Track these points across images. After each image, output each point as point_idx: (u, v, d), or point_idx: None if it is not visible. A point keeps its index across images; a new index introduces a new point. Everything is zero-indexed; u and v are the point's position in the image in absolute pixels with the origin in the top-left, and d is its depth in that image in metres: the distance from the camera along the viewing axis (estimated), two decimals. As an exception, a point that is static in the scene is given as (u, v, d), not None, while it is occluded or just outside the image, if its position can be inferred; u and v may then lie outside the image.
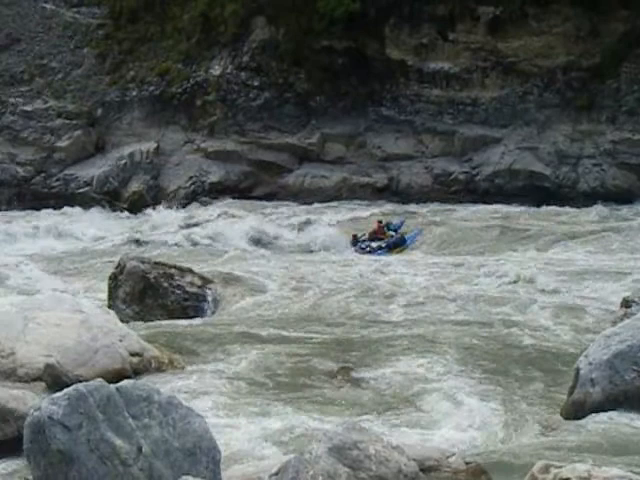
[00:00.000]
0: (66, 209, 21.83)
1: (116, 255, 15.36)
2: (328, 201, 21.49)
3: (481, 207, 20.53)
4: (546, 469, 5.46)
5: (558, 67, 21.16)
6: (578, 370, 8.03)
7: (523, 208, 20.18)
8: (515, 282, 13.99)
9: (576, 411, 8.01)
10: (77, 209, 21.78)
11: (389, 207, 20.79)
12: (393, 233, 18.03)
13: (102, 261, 16.88)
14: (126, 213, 21.38)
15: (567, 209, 19.89)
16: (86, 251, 18.72)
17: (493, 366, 9.66)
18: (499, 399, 8.66)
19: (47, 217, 21.22)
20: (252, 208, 20.69)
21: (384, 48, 22.01)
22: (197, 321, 12.12)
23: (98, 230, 20.16)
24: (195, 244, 18.65)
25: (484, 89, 21.76)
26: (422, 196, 21.47)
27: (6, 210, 22.29)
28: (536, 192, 20.79)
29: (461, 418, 8.21)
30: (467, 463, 6.30)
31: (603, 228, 18.11)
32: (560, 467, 5.45)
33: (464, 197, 21.30)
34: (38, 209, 21.99)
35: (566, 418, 8.07)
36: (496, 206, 20.44)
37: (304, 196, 21.81)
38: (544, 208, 20.10)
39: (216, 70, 22.69)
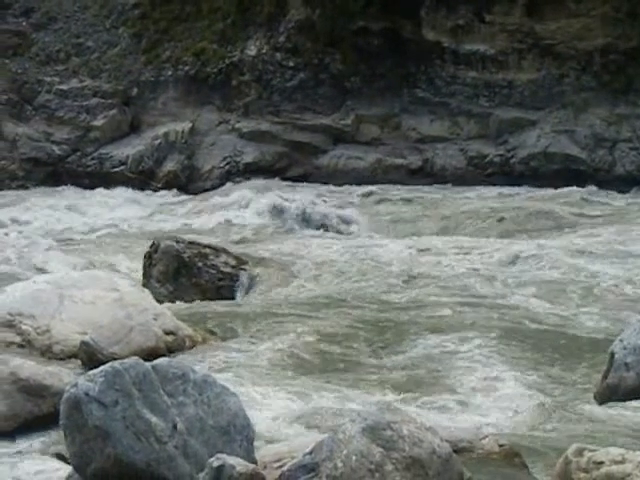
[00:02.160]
0: (108, 189, 21.87)
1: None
2: (362, 183, 21.44)
3: (515, 189, 20.44)
4: (580, 452, 5.46)
5: (596, 49, 20.96)
6: (612, 354, 7.99)
7: (557, 191, 20.06)
8: (541, 264, 13.90)
9: (610, 395, 7.98)
10: (120, 189, 21.85)
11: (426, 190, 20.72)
12: None
13: (140, 240, 16.96)
14: (184, 196, 21.20)
15: (601, 192, 19.75)
16: (125, 230, 18.78)
17: (524, 349, 9.63)
18: (531, 382, 8.64)
19: (90, 196, 21.29)
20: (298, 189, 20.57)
21: (420, 29, 21.89)
22: (231, 301, 12.17)
23: (141, 209, 20.24)
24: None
25: (520, 71, 21.60)
26: (456, 178, 21.37)
27: (43, 186, 22.41)
28: (572, 175, 20.64)
29: (494, 400, 8.21)
30: (500, 445, 6.31)
31: (640, 212, 17.98)
32: (594, 451, 5.45)
33: (499, 180, 21.19)
34: (73, 187, 22.11)
35: (600, 402, 8.04)
36: (529, 189, 20.33)
37: (338, 177, 21.78)
38: (577, 190, 19.95)
39: (252, 50, 22.67)
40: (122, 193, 21.62)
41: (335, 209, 19.15)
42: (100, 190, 21.83)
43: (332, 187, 21.24)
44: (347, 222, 18.44)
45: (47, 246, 16.49)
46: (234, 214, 19.18)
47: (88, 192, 21.66)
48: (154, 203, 20.93)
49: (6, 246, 16.45)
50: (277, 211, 18.97)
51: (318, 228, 18.31)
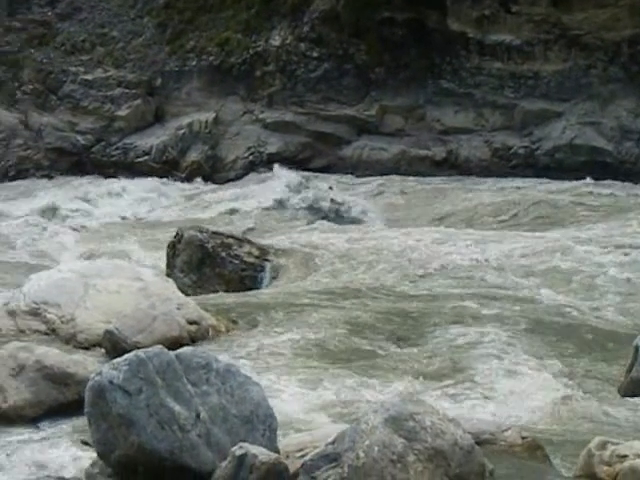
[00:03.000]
0: (132, 179, 21.92)
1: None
2: (386, 174, 21.41)
3: (539, 181, 20.34)
4: (603, 446, 5.44)
5: (623, 40, 20.81)
6: (637, 348, 7.95)
7: (583, 182, 19.95)
8: (563, 256, 13.83)
9: (634, 389, 7.94)
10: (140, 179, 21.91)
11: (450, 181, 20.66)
12: None
13: (165, 230, 17.02)
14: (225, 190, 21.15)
15: (627, 184, 19.63)
16: (151, 221, 18.85)
17: (546, 341, 9.60)
18: (555, 374, 8.61)
19: (108, 184, 21.37)
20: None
21: (445, 20, 21.81)
22: (254, 291, 12.19)
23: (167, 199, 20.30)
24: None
25: (546, 62, 21.49)
26: (481, 170, 21.30)
27: (67, 175, 22.51)
28: (597, 167, 20.53)
29: (516, 392, 8.19)
30: (523, 438, 6.29)
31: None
32: (618, 444, 5.43)
33: (523, 171, 21.11)
34: (97, 177, 22.18)
35: (624, 396, 8.01)
36: (553, 181, 20.23)
37: (362, 168, 21.76)
38: (604, 183, 19.84)
39: (276, 40, 22.66)
40: (144, 183, 21.64)
41: (355, 199, 19.15)
42: (121, 180, 21.87)
43: (354, 178, 21.23)
44: (366, 213, 18.44)
45: (65, 234, 16.59)
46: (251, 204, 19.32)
47: (109, 181, 21.72)
48: (180, 192, 21.00)
49: (23, 235, 16.57)
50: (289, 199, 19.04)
51: (332, 217, 18.33)
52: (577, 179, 20.14)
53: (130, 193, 20.72)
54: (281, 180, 20.43)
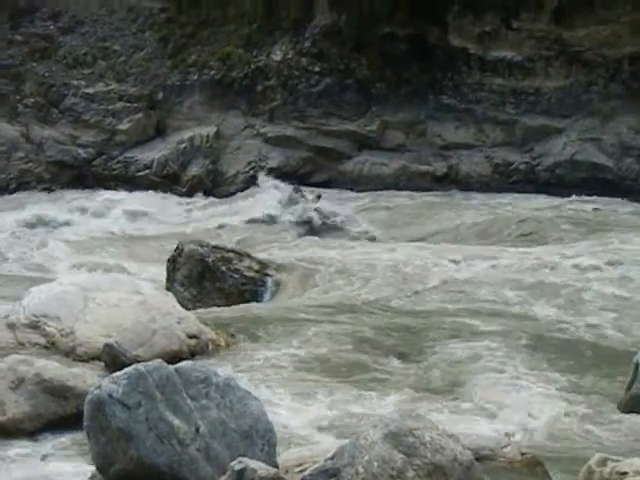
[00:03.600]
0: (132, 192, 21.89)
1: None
2: (386, 189, 21.43)
3: (539, 197, 20.36)
4: (603, 462, 5.43)
5: (624, 57, 20.85)
6: (638, 365, 7.94)
7: (580, 198, 19.97)
8: (562, 273, 13.83)
9: (634, 405, 7.93)
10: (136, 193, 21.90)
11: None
12: None
13: (161, 244, 17.03)
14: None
15: (626, 201, 19.65)
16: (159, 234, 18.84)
17: (547, 357, 9.59)
18: (555, 391, 8.61)
19: (130, 199, 21.31)
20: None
21: (446, 35, 21.87)
22: (254, 305, 12.19)
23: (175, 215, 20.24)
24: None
25: (547, 78, 21.53)
26: (482, 185, 21.32)
27: (68, 189, 22.50)
28: (598, 184, 20.55)
29: (516, 408, 8.17)
30: (522, 454, 6.28)
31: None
32: (618, 461, 5.41)
33: (524, 187, 21.12)
34: (97, 190, 22.17)
35: (623, 412, 8.00)
36: (553, 197, 20.25)
37: (362, 183, 21.77)
38: (603, 199, 19.86)
39: (277, 55, 22.71)
40: (140, 196, 21.56)
41: (353, 214, 19.15)
42: (118, 193, 21.82)
43: (355, 193, 21.24)
44: (365, 227, 18.43)
45: (56, 247, 16.60)
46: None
47: (104, 194, 21.69)
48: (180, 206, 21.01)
49: (14, 247, 16.58)
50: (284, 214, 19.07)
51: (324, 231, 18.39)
52: (578, 195, 20.16)
53: (124, 206, 20.65)
54: (269, 193, 20.44)
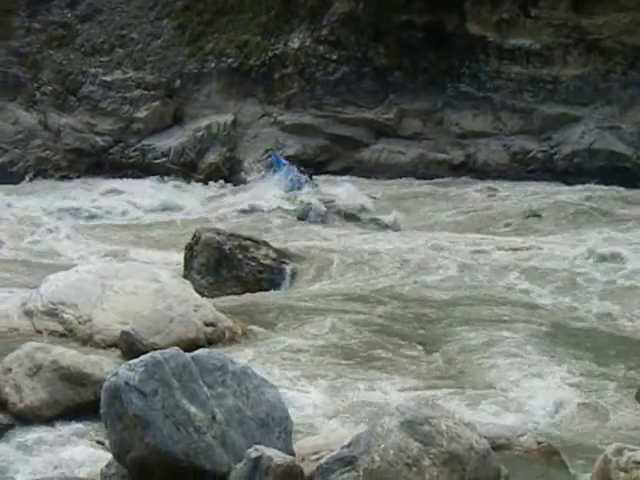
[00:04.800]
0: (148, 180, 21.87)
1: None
2: (403, 177, 21.39)
3: (557, 186, 20.28)
4: (619, 452, 5.41)
5: (643, 45, 20.74)
6: (655, 354, 7.92)
7: (598, 187, 19.87)
8: (587, 259, 13.77)
9: (651, 395, 7.90)
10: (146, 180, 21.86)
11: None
12: None
13: (179, 232, 17.05)
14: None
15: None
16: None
17: (564, 347, 9.57)
18: (572, 380, 8.59)
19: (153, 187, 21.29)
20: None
21: (464, 23, 21.78)
22: (271, 293, 12.20)
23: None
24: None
25: (566, 66, 21.43)
26: (499, 174, 21.25)
27: (85, 177, 22.55)
28: (616, 173, 20.45)
29: (533, 397, 8.16)
30: (539, 443, 6.27)
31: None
32: (634, 450, 5.40)
33: (541, 176, 21.04)
34: (115, 178, 22.21)
35: (640, 401, 7.98)
36: (571, 185, 20.16)
37: (379, 171, 21.74)
38: (617, 188, 19.75)
39: (295, 43, 22.67)
40: (153, 185, 21.52)
41: (369, 204, 19.09)
42: (131, 181, 21.82)
43: (372, 181, 21.21)
44: (382, 216, 18.38)
45: (77, 235, 16.65)
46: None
47: (114, 182, 21.70)
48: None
49: (29, 235, 16.64)
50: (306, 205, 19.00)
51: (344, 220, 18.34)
52: (596, 184, 20.06)
53: (141, 194, 20.61)
54: (282, 180, 20.41)
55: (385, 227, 17.84)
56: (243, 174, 21.92)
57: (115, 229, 18.03)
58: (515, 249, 14.74)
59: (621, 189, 19.62)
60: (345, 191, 19.59)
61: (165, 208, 19.79)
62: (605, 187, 19.80)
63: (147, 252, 15.07)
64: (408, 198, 19.81)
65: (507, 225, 17.46)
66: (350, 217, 18.49)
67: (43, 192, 20.53)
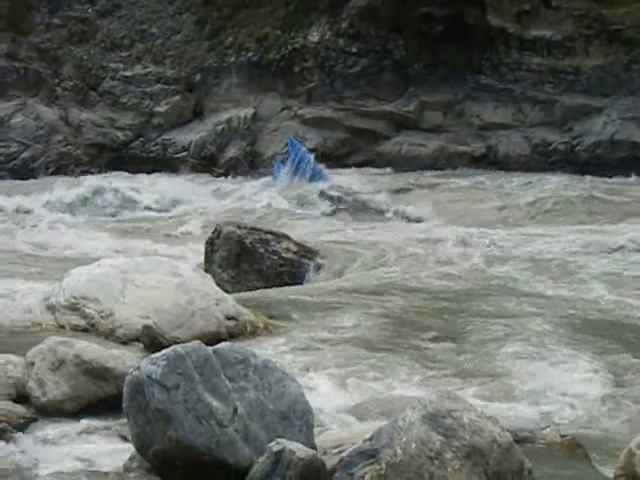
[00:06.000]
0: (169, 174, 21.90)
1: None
2: (424, 170, 21.36)
3: (579, 178, 20.19)
4: (644, 444, 5.37)
5: (666, 35, 20.62)
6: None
7: (622, 179, 19.78)
8: (606, 254, 13.70)
9: (676, 387, 7.85)
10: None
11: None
12: None
13: (199, 226, 17.09)
14: None
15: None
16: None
17: (588, 339, 9.52)
18: (596, 372, 8.54)
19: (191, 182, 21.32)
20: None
21: (485, 15, 21.72)
22: (292, 287, 12.20)
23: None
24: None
25: (587, 57, 21.33)
26: (520, 166, 21.19)
27: (105, 172, 22.63)
28: (639, 163, 20.35)
29: (556, 390, 8.12)
30: (562, 436, 6.24)
31: None
32: (659, 443, 5.36)
33: (563, 167, 20.97)
34: (135, 173, 22.29)
35: (665, 394, 7.93)
36: (593, 177, 20.07)
37: (400, 164, 21.71)
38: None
39: (314, 36, 22.66)
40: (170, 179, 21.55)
41: (390, 195, 19.08)
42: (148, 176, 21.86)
43: (393, 174, 21.18)
44: (403, 209, 18.38)
45: (97, 230, 16.71)
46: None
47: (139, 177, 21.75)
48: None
49: (48, 230, 16.71)
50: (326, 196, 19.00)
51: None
52: (617, 175, 19.98)
53: (161, 188, 20.65)
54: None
55: (408, 219, 17.83)
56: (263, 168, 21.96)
57: (135, 223, 18.09)
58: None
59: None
60: (365, 183, 19.59)
61: (183, 202, 19.84)
62: (628, 179, 19.72)
63: (167, 246, 15.12)
64: (430, 190, 19.77)
65: (532, 217, 17.40)
66: (371, 210, 18.48)
67: (63, 187, 20.61)
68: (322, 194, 18.92)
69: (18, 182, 21.67)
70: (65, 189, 20.11)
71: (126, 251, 14.38)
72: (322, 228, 16.70)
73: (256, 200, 19.39)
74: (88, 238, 16.08)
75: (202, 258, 12.97)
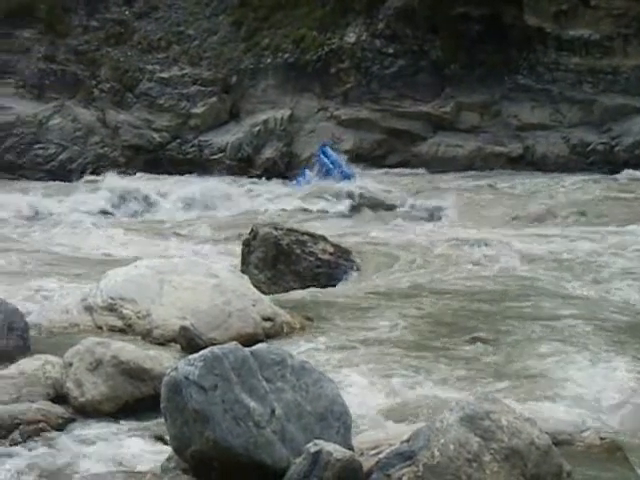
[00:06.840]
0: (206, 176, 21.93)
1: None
2: (461, 171, 21.29)
3: (616, 178, 20.03)
4: (686, 448, 5.31)
5: None
6: None
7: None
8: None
9: None
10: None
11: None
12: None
13: (236, 228, 17.11)
14: None
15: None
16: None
17: (625, 340, 9.43)
18: (635, 374, 8.45)
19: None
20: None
21: (522, 15, 21.61)
22: (329, 288, 12.19)
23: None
24: None
25: (626, 57, 21.17)
26: (558, 167, 21.06)
27: (143, 173, 22.75)
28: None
29: (595, 392, 8.05)
30: (602, 439, 6.19)
31: None
32: (700, 446, 5.30)
33: (602, 168, 20.82)
34: (172, 174, 22.38)
35: None
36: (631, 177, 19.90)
37: (437, 165, 21.65)
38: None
39: (351, 37, 22.65)
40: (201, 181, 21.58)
41: (426, 197, 19.01)
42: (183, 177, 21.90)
43: (429, 175, 21.13)
44: (440, 210, 18.31)
45: (134, 231, 16.79)
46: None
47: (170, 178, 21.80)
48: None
49: (82, 232, 16.82)
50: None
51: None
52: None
53: (199, 190, 20.66)
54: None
55: (442, 220, 17.77)
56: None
57: (171, 225, 18.15)
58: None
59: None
60: (391, 184, 19.57)
61: (217, 204, 19.87)
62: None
63: (203, 248, 15.16)
64: (466, 191, 19.69)
65: (565, 218, 17.28)
66: (395, 210, 18.43)
67: (99, 188, 20.75)
68: (343, 194, 18.91)
69: (56, 183, 21.85)
70: (100, 191, 20.24)
71: (161, 253, 14.44)
72: (346, 230, 16.67)
73: (271, 199, 19.42)
74: (122, 241, 16.16)
75: (233, 260, 13.01)
